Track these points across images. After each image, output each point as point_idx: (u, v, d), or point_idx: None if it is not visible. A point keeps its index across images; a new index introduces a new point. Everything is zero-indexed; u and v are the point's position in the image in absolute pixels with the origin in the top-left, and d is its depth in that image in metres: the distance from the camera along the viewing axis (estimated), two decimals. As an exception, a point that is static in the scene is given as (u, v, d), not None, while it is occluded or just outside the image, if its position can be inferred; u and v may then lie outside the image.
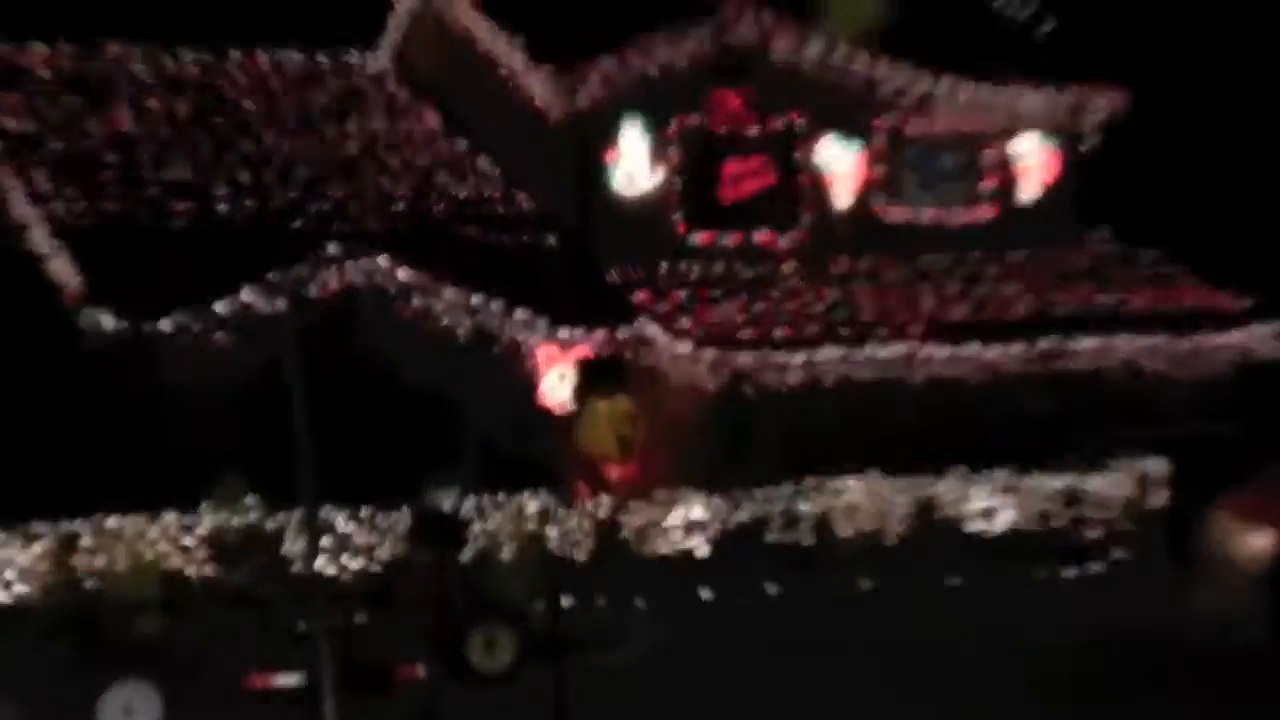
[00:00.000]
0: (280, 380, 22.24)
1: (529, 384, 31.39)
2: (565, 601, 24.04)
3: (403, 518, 25.88)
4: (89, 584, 24.27)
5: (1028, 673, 22.18)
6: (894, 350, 32.81)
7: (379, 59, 37.84)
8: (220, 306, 29.09)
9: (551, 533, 27.00)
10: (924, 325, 33.50)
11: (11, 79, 35.05)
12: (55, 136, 33.94)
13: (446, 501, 25.18)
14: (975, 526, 29.61)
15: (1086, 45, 37.44)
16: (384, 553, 25.88)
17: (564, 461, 30.59)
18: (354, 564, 25.71)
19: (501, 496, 27.02)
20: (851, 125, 35.39)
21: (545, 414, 31.35)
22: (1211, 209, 40.31)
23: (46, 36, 35.76)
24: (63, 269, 30.22)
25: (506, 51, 34.77)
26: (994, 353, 33.33)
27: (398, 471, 25.70)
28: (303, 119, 36.26)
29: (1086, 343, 33.89)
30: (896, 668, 22.61)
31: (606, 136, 34.26)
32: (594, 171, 34.29)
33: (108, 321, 28.54)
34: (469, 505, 25.75)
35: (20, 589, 24.27)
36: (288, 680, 20.16)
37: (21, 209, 31.98)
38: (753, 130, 35.04)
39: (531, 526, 26.83)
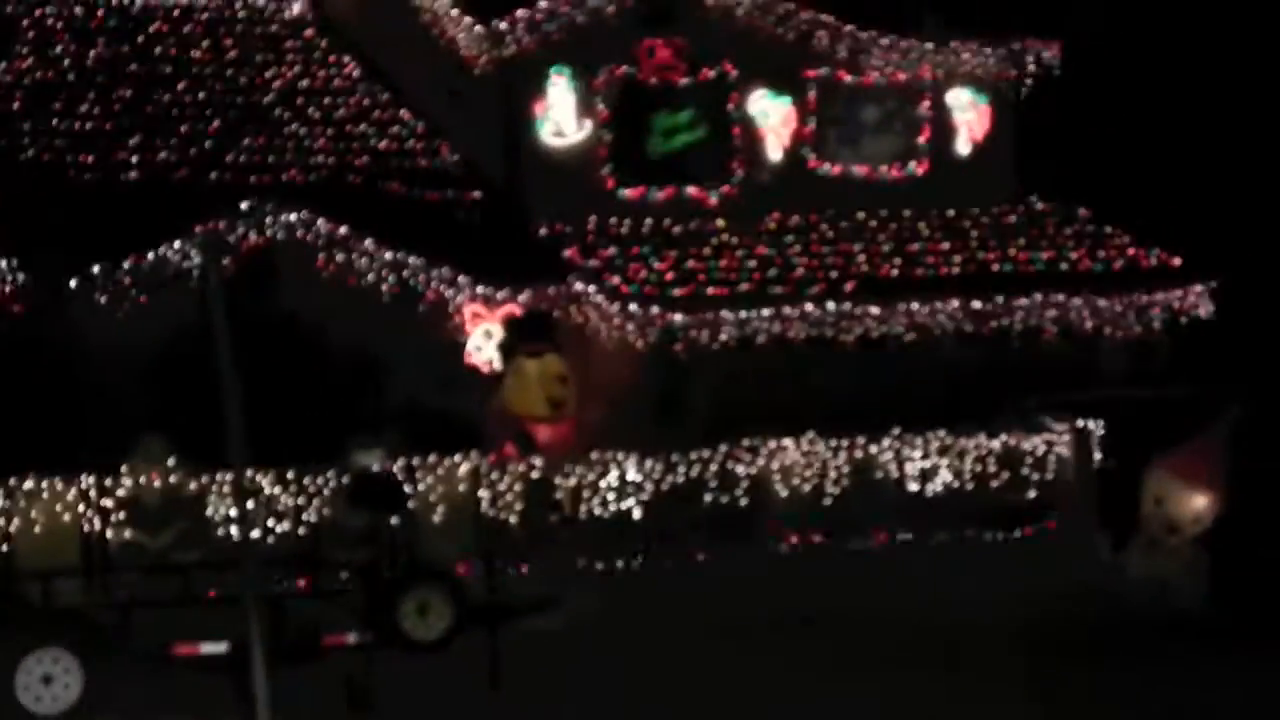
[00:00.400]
0: (199, 338, 21.95)
1: (454, 342, 30.91)
2: (497, 566, 23.66)
3: (332, 480, 25.39)
4: (3, 548, 23.74)
5: (960, 637, 21.99)
6: (827, 308, 32.44)
7: (296, 4, 37.15)
8: (133, 262, 28.63)
9: (483, 495, 26.53)
10: (856, 283, 33.15)
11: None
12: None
13: (372, 462, 24.84)
14: (913, 487, 29.29)
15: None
16: (311, 515, 25.30)
17: (491, 422, 30.08)
18: (280, 527, 25.18)
19: (432, 458, 26.49)
20: (784, 77, 35.12)
21: (472, 373, 30.85)
22: (1147, 166, 40.07)
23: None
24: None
25: (433, -5, 34.36)
26: (927, 311, 33.03)
27: (322, 432, 25.39)
28: (217, 66, 35.57)
29: (1020, 301, 33.69)
30: (832, 635, 22.37)
31: (533, 87, 34.00)
32: (520, 124, 34.01)
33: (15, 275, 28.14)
34: (399, 467, 25.34)
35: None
36: (214, 648, 19.70)
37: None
38: (683, 81, 34.79)
39: (462, 488, 26.31)
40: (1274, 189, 40.26)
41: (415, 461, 26.31)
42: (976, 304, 33.43)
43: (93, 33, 35.11)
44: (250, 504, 19.20)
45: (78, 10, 35.37)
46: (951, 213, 35.84)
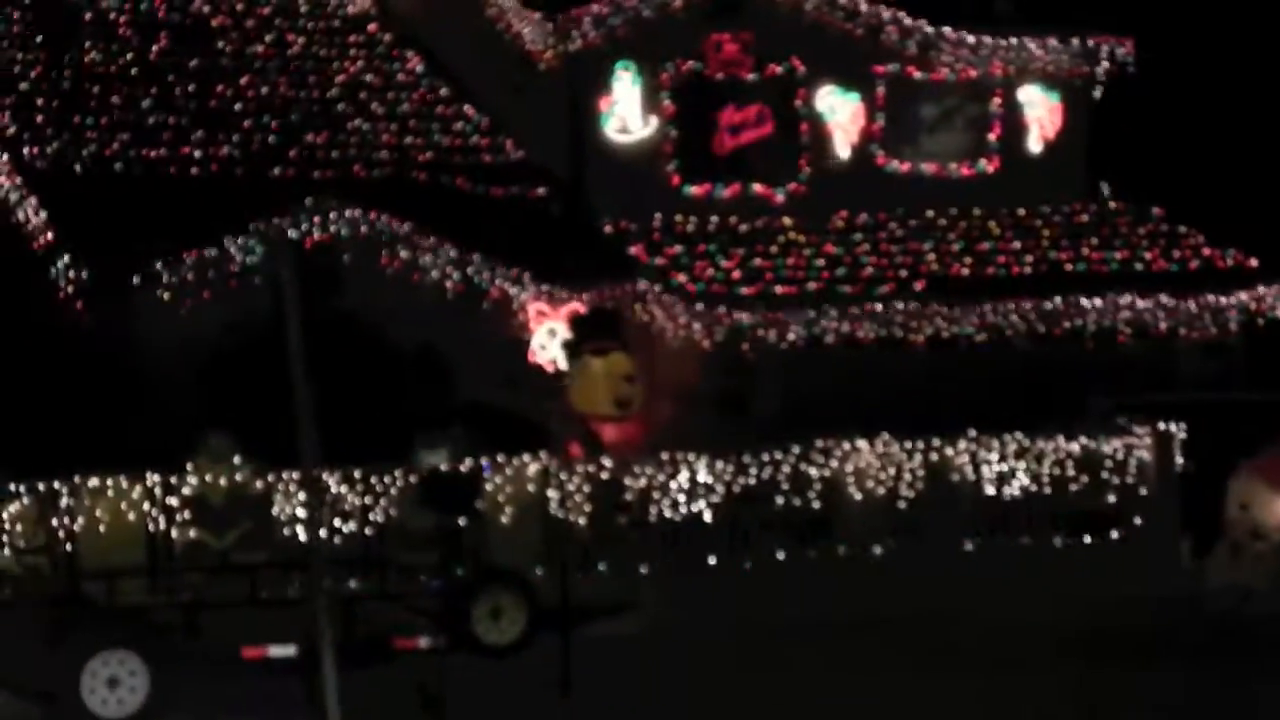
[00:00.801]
0: (263, 335, 21.84)
1: (519, 341, 30.73)
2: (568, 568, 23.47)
3: (400, 480, 25.14)
4: (68, 547, 23.53)
5: (1043, 640, 21.84)
6: (896, 307, 32.22)
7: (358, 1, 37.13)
8: (194, 258, 28.54)
9: (551, 495, 26.27)
10: (926, 282, 32.94)
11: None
12: (22, 77, 33.22)
13: (438, 461, 24.68)
14: (989, 491, 28.97)
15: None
16: (378, 516, 25.03)
17: (558, 421, 29.89)
18: (346, 527, 24.92)
19: (500, 458, 26.24)
20: (852, 73, 34.92)
21: (536, 372, 30.66)
22: (1221, 166, 39.75)
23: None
24: (30, 216, 29.62)
25: (496, -8, 34.24)
26: (999, 311, 32.78)
27: (387, 431, 25.18)
28: (279, 60, 35.48)
29: (1093, 301, 33.39)
30: (909, 641, 22.20)
31: (598, 82, 33.87)
32: (585, 119, 33.86)
33: (79, 270, 28.07)
34: (465, 467, 25.11)
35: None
36: (283, 650, 19.55)
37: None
38: (750, 77, 34.58)
39: (531, 489, 26.05)
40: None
41: (482, 461, 25.99)
42: (1049, 304, 33.07)
43: (155, 26, 35.02)
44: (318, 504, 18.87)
45: (140, 4, 35.30)
46: (1023, 211, 35.55)
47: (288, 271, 16.88)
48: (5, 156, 30.96)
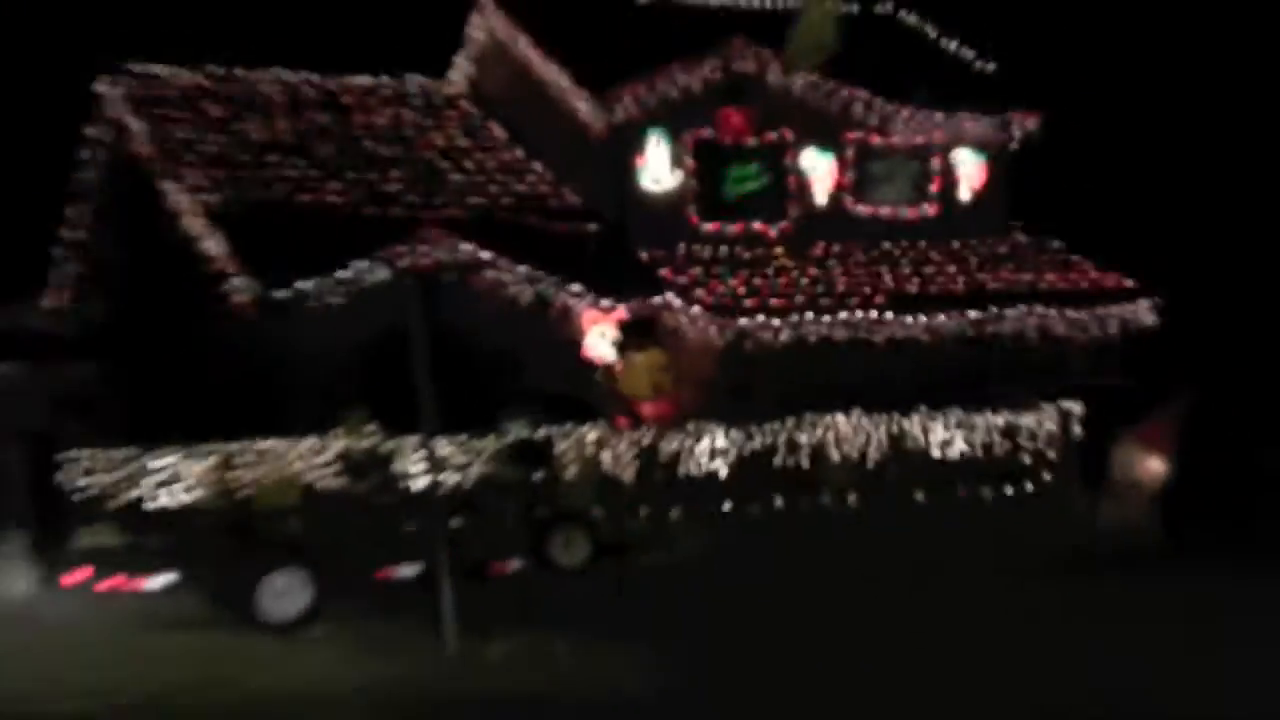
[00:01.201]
0: (390, 336, 21.90)
1: (576, 341, 30.85)
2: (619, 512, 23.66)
3: (491, 443, 25.30)
4: (244, 493, 23.70)
5: (980, 565, 21.91)
6: (860, 316, 32.35)
7: (455, 83, 37.30)
8: (335, 278, 28.70)
9: (605, 457, 26.42)
10: (884, 297, 33.05)
11: (169, 96, 34.33)
12: (205, 141, 33.37)
13: (520, 431, 24.81)
14: (935, 454, 29.12)
15: (1011, 78, 36.94)
16: (476, 470, 25.19)
17: (607, 401, 30.01)
18: (452, 479, 25.01)
19: (568, 427, 26.40)
20: (828, 139, 35.01)
21: (590, 365, 30.78)
22: (1106, 209, 39.76)
23: (197, 61, 35.04)
24: (212, 246, 29.72)
25: (556, 77, 34.42)
26: (938, 319, 32.93)
27: (478, 409, 25.31)
28: (395, 128, 35.67)
29: (1009, 312, 33.60)
30: (875, 565, 22.25)
31: (636, 145, 33.88)
32: (626, 173, 33.87)
33: (249, 287, 28.18)
34: (542, 434, 25.26)
35: (193, 495, 23.84)
36: (409, 571, 19.67)
37: (177, 198, 31.41)
38: (751, 142, 34.65)
39: (588, 452, 26.20)
40: (1201, 226, 39.96)
41: (552, 430, 26.11)
42: (976, 314, 33.25)
43: (303, 104, 35.25)
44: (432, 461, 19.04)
45: (292, 85, 35.63)
46: (956, 244, 35.66)
47: (416, 298, 17.13)
48: (196, 202, 30.93)
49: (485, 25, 36.65)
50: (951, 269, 34.80)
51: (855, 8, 37.95)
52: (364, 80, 36.72)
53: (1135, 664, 14.08)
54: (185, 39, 35.90)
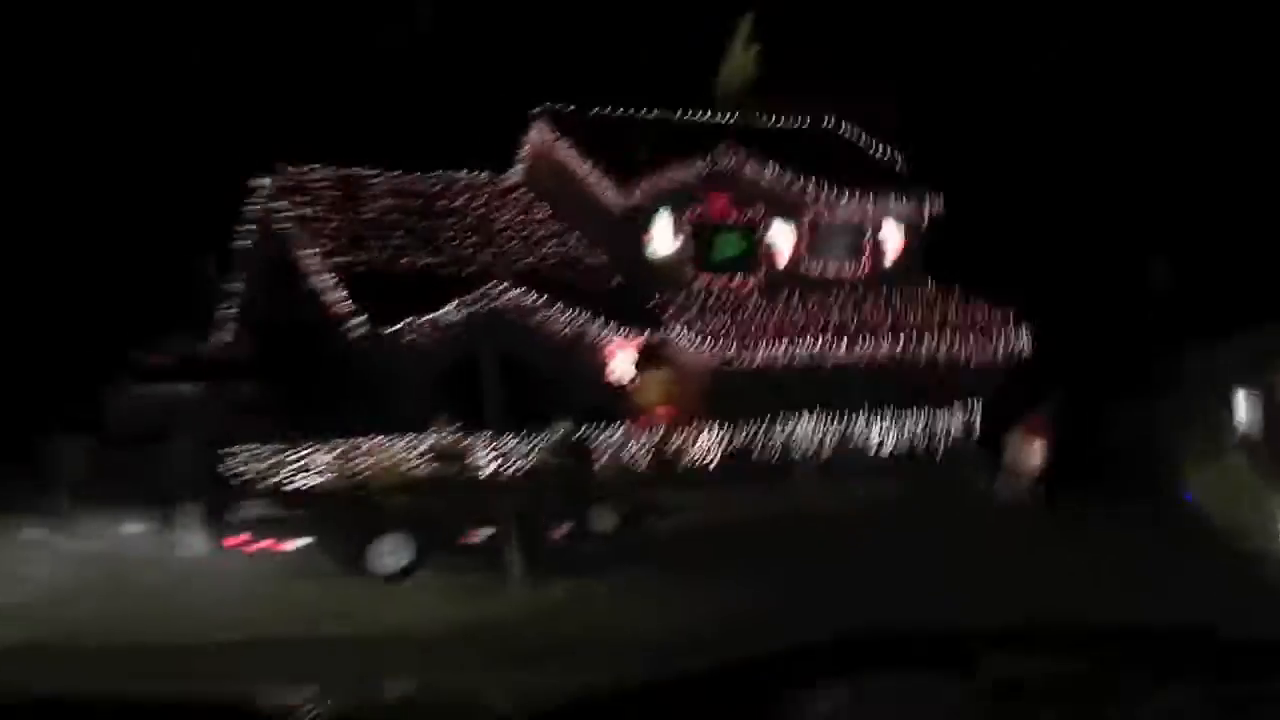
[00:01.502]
0: (469, 361, 21.51)
1: (604, 364, 30.37)
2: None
3: (545, 441, 24.72)
4: (360, 477, 23.19)
5: (908, 525, 21.50)
6: (814, 344, 31.75)
7: (513, 176, 36.79)
8: (426, 317, 28.34)
9: (627, 448, 25.92)
10: (832, 331, 32.43)
11: (306, 187, 33.97)
12: (331, 220, 32.96)
13: (565, 431, 24.27)
14: (874, 446, 28.62)
15: (921, 171, 36.53)
16: (532, 460, 24.64)
17: (626, 409, 29.48)
18: (515, 466, 24.51)
19: (600, 428, 25.94)
20: (790, 215, 34.26)
21: (615, 383, 30.31)
22: (993, 262, 39.11)
23: (327, 160, 34.69)
24: (336, 297, 29.38)
25: (589, 173, 33.86)
26: (873, 347, 32.31)
27: (532, 415, 24.77)
28: (468, 210, 35.17)
29: (926, 341, 32.89)
30: (827, 529, 21.85)
31: (647, 221, 33.20)
32: (639, 241, 33.17)
33: (363, 326, 27.85)
34: (580, 434, 24.70)
35: (323, 478, 23.32)
36: (484, 535, 19.16)
37: (312, 262, 31.10)
38: (732, 217, 33.91)
39: (616, 444, 25.70)
40: (1062, 273, 39.32)
41: (590, 430, 25.61)
42: (900, 342, 32.58)
43: (398, 194, 34.81)
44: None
45: (395, 180, 35.18)
46: (884, 291, 34.86)
47: (488, 333, 16.75)
48: (325, 264, 30.73)
49: (536, 136, 36.18)
50: (881, 310, 34.05)
51: (806, 122, 37.55)
52: (448, 174, 36.07)
53: (1038, 566, 15.31)
54: (319, 144, 35.36)
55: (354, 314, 28.57)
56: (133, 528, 21.52)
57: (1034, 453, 26.06)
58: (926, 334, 33.13)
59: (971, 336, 33.62)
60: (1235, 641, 2.29)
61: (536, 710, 1.90)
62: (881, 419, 28.92)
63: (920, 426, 29.21)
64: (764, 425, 27.71)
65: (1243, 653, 2.21)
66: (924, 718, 1.76)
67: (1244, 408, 23.48)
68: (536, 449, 24.71)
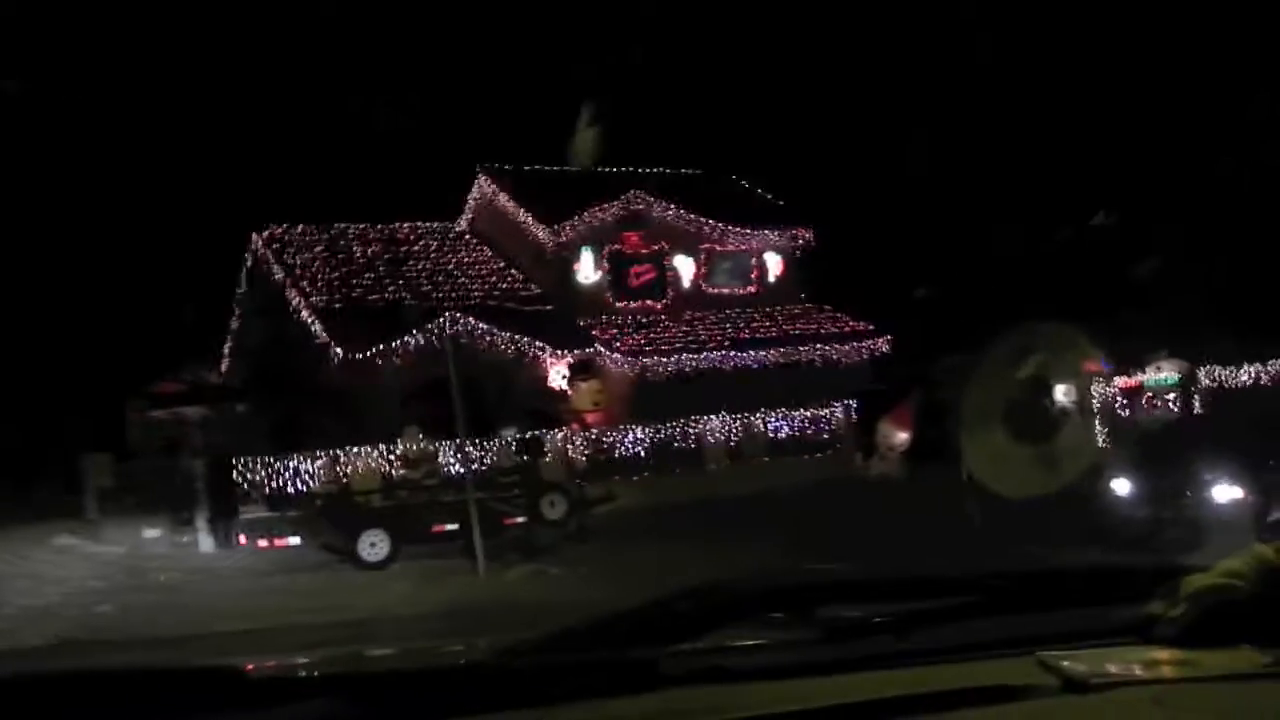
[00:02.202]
0: (430, 380, 20.61)
1: (543, 376, 29.55)
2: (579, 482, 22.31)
3: (496, 443, 23.87)
4: (344, 481, 22.16)
5: (801, 498, 21.01)
6: (716, 354, 31.14)
7: (460, 224, 35.89)
8: (393, 344, 27.43)
9: (568, 448, 25.05)
10: (729, 342, 31.88)
11: (291, 240, 32.92)
12: (313, 266, 31.99)
13: (509, 435, 23.48)
14: (771, 433, 28.02)
15: (794, 209, 36.08)
16: (489, 459, 23.76)
17: (564, 414, 28.67)
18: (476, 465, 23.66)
19: (544, 432, 25.03)
20: (690, 248, 33.81)
21: (550, 391, 29.48)
22: (856, 280, 38.69)
23: (307, 218, 33.64)
24: (318, 330, 28.45)
25: (524, 218, 33.20)
26: (762, 354, 31.76)
27: (484, 421, 23.95)
28: (428, 253, 34.16)
29: (803, 349, 32.47)
30: (736, 508, 21.25)
31: (574, 256, 32.57)
32: (568, 273, 32.52)
33: (340, 354, 26.93)
34: (534, 435, 23.84)
35: (313, 483, 22.26)
36: (451, 527, 18.27)
37: (297, 300, 30.11)
38: (644, 251, 33.29)
39: (558, 444, 24.83)
40: (910, 291, 38.97)
41: (535, 433, 24.74)
42: (784, 351, 32.13)
43: (372, 240, 33.79)
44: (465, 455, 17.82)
45: (366, 231, 34.03)
46: (768, 309, 34.39)
47: (451, 351, 15.97)
48: (308, 303, 29.68)
49: (479, 188, 35.39)
50: (768, 324, 33.66)
51: (701, 172, 37.03)
52: (408, 224, 35.05)
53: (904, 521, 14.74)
54: (302, 204, 34.38)
55: (332, 344, 27.64)
56: (151, 532, 20.39)
57: (899, 437, 25.60)
58: (805, 343, 32.74)
59: (840, 345, 33.27)
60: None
61: (504, 649, 1.90)
62: (777, 412, 28.33)
63: (808, 418, 28.66)
64: (680, 423, 27.00)
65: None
66: (767, 656, 1.84)
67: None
68: (494, 451, 23.79)
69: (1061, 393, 26.19)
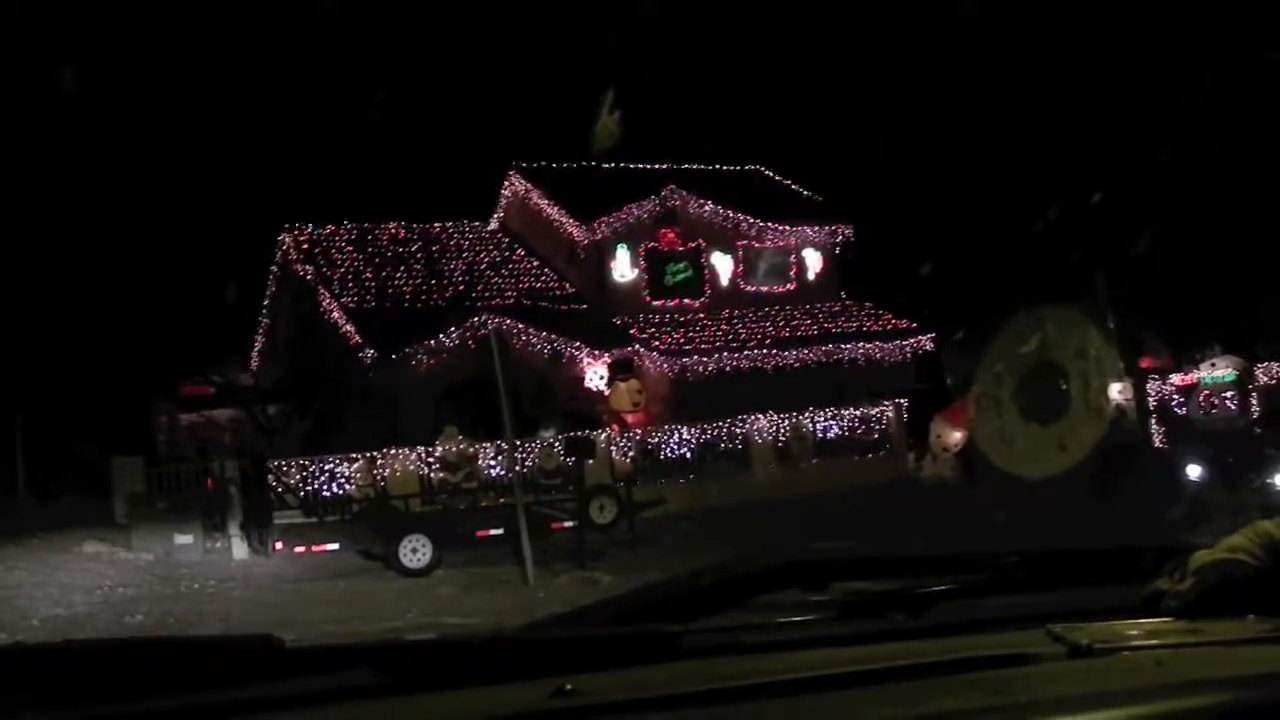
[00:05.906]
0: (466, 379, 19.80)
1: (580, 377, 28.73)
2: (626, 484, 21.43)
3: (541, 444, 22.87)
4: (382, 484, 21.25)
5: (851, 498, 20.16)
6: (756, 353, 30.19)
7: (492, 223, 35.06)
8: (430, 343, 26.74)
9: (612, 449, 24.09)
10: (769, 340, 30.91)
11: (321, 239, 32.17)
12: (343, 265, 31.31)
13: (550, 437, 22.61)
14: (820, 434, 26.96)
15: (835, 205, 35.15)
16: (533, 461, 22.74)
17: (602, 415, 27.81)
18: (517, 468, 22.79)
19: (590, 432, 24.11)
20: (728, 245, 32.82)
21: (589, 393, 28.64)
22: (898, 280, 37.70)
23: (338, 216, 32.93)
24: (349, 329, 27.87)
25: (558, 215, 32.33)
26: (803, 353, 30.81)
27: (526, 422, 23.10)
28: (461, 253, 33.27)
29: (845, 347, 31.46)
30: (789, 507, 20.41)
31: (609, 253, 31.66)
32: (604, 271, 31.59)
33: (373, 353, 26.15)
34: (584, 437, 22.78)
35: (350, 487, 21.31)
36: (498, 531, 17.45)
37: (327, 301, 29.42)
38: (680, 248, 32.32)
39: (602, 445, 23.84)
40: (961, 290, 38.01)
41: (575, 434, 23.82)
42: (826, 349, 31.12)
43: (404, 240, 32.83)
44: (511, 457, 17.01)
45: (399, 230, 33.10)
46: (808, 306, 33.39)
47: (500, 350, 15.23)
48: (339, 303, 29.12)
49: (511, 185, 34.59)
50: (808, 322, 32.67)
51: (737, 167, 36.26)
52: (440, 224, 34.17)
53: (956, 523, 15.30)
54: (331, 204, 33.68)
55: (363, 344, 26.93)
56: (183, 538, 19.58)
57: (954, 437, 24.70)
58: (846, 341, 31.78)
59: (883, 343, 32.27)
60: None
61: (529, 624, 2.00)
62: (825, 411, 27.30)
63: (857, 417, 27.62)
64: (726, 423, 26.03)
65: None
66: (783, 631, 1.84)
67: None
68: (538, 452, 22.89)
69: (1116, 390, 25.23)
